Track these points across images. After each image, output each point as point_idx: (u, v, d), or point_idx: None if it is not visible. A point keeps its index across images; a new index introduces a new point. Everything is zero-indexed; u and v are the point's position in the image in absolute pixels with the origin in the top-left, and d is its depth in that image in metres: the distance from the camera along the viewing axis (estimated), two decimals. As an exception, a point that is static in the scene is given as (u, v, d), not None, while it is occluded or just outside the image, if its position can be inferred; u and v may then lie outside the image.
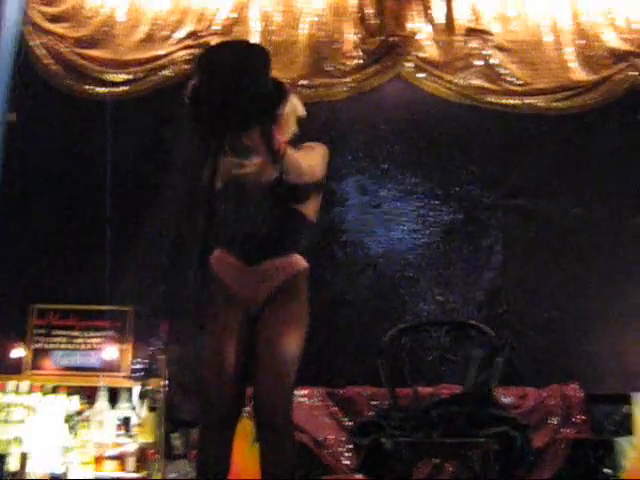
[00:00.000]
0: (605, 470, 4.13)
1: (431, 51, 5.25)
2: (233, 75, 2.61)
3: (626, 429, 4.22)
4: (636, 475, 4.06)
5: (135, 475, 4.14)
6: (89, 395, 4.69)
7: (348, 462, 3.52)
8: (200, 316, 2.91)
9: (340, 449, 3.61)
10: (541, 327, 4.94)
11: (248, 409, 3.92)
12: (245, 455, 3.91)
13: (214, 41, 5.20)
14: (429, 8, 5.29)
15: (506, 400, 3.92)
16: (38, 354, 4.92)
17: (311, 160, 2.89)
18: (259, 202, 2.80)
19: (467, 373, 3.29)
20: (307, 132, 5.31)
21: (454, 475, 3.58)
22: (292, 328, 2.78)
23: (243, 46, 2.83)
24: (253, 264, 2.79)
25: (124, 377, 4.76)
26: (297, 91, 5.15)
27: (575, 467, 4.13)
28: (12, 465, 4.32)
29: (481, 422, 3.06)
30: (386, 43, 5.22)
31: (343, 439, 3.66)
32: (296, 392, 4.01)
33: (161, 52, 5.21)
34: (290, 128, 2.96)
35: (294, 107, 2.99)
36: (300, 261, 2.87)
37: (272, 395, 2.69)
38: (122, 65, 5.19)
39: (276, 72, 5.23)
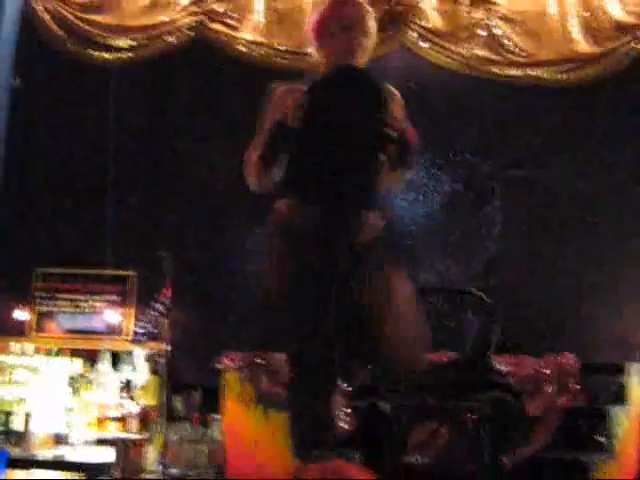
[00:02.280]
0: (599, 439, 4.19)
1: (435, 21, 5.24)
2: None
3: (621, 399, 4.27)
4: (630, 444, 4.13)
5: (137, 436, 4.21)
6: (92, 358, 4.77)
7: (346, 425, 3.59)
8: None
9: (338, 412, 3.66)
10: (539, 297, 4.98)
11: (248, 372, 4.00)
12: (245, 418, 3.99)
13: (219, 8, 5.21)
14: (434, -23, 5.28)
15: (502, 368, 3.96)
16: (42, 317, 4.98)
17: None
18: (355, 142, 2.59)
19: (464, 340, 3.34)
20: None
21: (449, 439, 3.64)
22: (397, 278, 2.65)
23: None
24: (339, 216, 2.61)
25: (126, 340, 4.83)
26: (300, 59, 5.17)
27: (569, 435, 4.18)
28: (16, 424, 4.40)
29: (476, 387, 3.11)
30: (391, 12, 5.20)
31: (342, 403, 3.71)
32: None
33: (165, 18, 5.21)
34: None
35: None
36: (378, 221, 2.69)
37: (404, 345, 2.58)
38: (126, 31, 5.18)
39: (280, 39, 5.29)
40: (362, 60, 2.74)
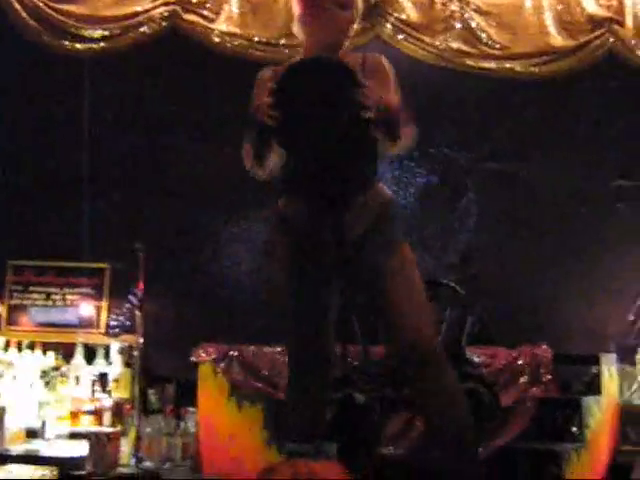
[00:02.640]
0: (572, 429, 4.22)
1: (411, 13, 5.24)
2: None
3: (594, 389, 4.31)
4: (602, 434, 4.17)
5: (111, 429, 4.19)
6: (65, 351, 4.73)
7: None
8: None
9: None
10: (513, 289, 5.02)
11: (222, 365, 3.99)
12: (220, 411, 3.98)
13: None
14: (410, -31, 5.28)
15: (476, 359, 3.98)
16: (15, 310, 4.93)
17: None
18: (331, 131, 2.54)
19: (438, 331, 3.35)
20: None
21: (424, 430, 3.65)
22: (400, 261, 2.62)
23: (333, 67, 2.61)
24: (333, 206, 2.59)
25: (101, 333, 4.80)
26: (277, 51, 5.15)
27: (543, 426, 4.22)
28: (-12, 419, 4.35)
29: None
30: (366, 4, 5.19)
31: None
32: (271, 349, 4.10)
33: (138, 8, 5.16)
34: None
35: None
36: (385, 190, 2.70)
37: (412, 332, 2.56)
38: (99, 21, 5.13)
39: (255, 31, 5.27)
40: (348, 42, 2.72)
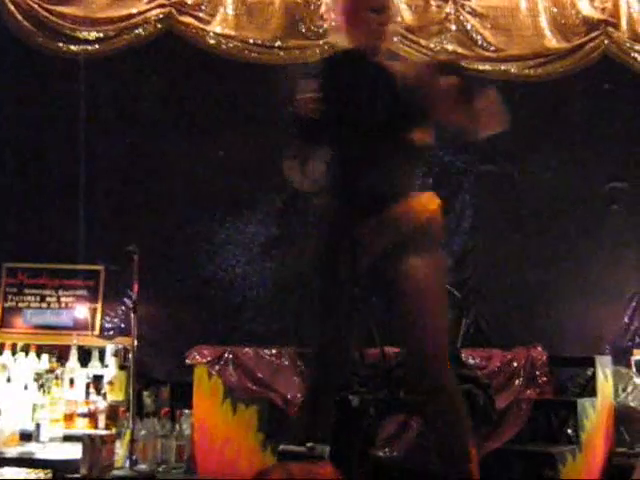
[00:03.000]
0: (567, 430, 4.22)
1: (406, 15, 5.25)
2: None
3: (589, 391, 4.31)
4: (597, 436, 4.17)
5: (105, 432, 4.17)
6: (60, 354, 4.72)
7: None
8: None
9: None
10: (508, 291, 5.02)
11: (217, 367, 3.98)
12: (215, 413, 3.97)
13: (187, 0, 5.17)
14: (405, -29, 5.28)
15: (472, 361, 3.98)
16: (9, 313, 4.92)
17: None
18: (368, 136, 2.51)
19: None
20: (279, 94, 5.32)
21: (418, 432, 3.65)
22: (430, 285, 2.55)
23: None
24: (368, 213, 2.56)
25: (95, 336, 4.79)
26: (272, 53, 5.15)
27: (538, 427, 4.22)
28: (-18, 421, 4.34)
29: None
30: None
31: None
32: (265, 352, 4.10)
33: (134, 10, 5.16)
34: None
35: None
36: (428, 202, 2.65)
37: (423, 361, 2.53)
38: (94, 23, 5.13)
39: (250, 33, 5.27)
40: (387, 43, 2.72)
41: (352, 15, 2.73)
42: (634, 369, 4.81)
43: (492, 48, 5.23)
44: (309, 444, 2.56)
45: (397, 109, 2.55)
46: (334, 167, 2.64)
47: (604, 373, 4.31)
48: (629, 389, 4.56)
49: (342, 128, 2.54)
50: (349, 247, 2.58)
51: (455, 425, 2.58)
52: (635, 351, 5.01)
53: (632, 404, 4.48)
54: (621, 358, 4.88)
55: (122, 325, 4.88)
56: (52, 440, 4.21)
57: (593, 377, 4.27)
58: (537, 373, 4.17)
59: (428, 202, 2.65)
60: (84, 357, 4.68)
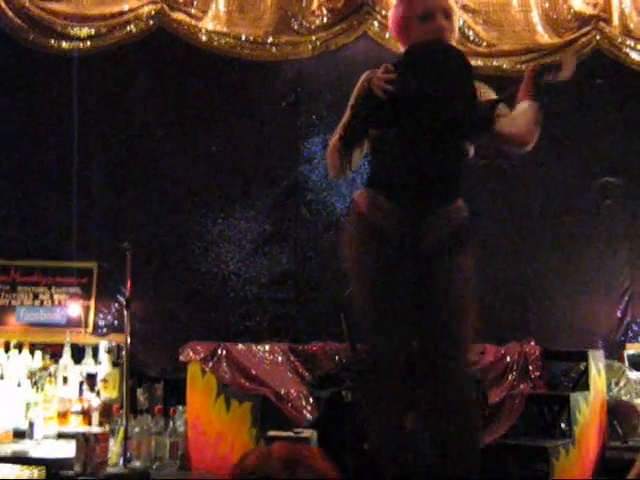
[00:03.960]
0: (560, 425, 4.23)
1: (398, 11, 5.24)
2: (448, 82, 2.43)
3: (582, 385, 4.32)
4: (590, 430, 4.18)
5: (99, 429, 4.17)
6: (53, 351, 4.71)
7: (309, 415, 3.59)
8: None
9: (302, 402, 3.67)
10: (500, 286, 5.02)
11: (211, 364, 3.98)
12: (209, 410, 3.97)
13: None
14: (396, -33, 5.27)
15: (465, 356, 3.98)
16: (2, 310, 4.91)
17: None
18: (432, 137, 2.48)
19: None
20: (273, 91, 5.33)
21: (412, 426, 3.65)
22: (463, 284, 2.59)
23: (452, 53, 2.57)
24: (416, 211, 2.54)
25: (88, 333, 4.78)
26: (264, 49, 5.15)
27: (531, 422, 4.22)
28: (-24, 420, 4.33)
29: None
30: (353, 2, 5.20)
31: (305, 393, 3.72)
32: (259, 348, 4.10)
33: (125, 7, 5.15)
34: None
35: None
36: (464, 208, 2.67)
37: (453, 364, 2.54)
38: (86, 20, 5.11)
39: (242, 29, 5.26)
40: (452, 40, 2.68)
41: (404, 31, 2.70)
42: (627, 363, 4.82)
43: (484, 44, 5.23)
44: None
45: (474, 107, 2.52)
46: (393, 155, 2.57)
47: (597, 367, 4.32)
48: (622, 383, 4.57)
49: (416, 113, 2.46)
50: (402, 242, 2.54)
51: (470, 421, 2.60)
52: (628, 345, 5.03)
53: (625, 398, 4.49)
54: (614, 352, 4.89)
55: (115, 322, 4.87)
56: (46, 438, 4.20)
57: (586, 371, 4.27)
58: (530, 368, 4.18)
59: (463, 207, 2.70)
60: (77, 354, 4.68)
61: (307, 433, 2.66)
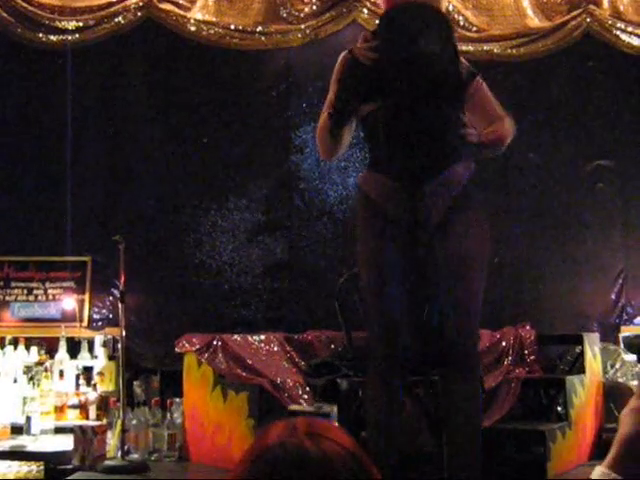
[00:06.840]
0: (557, 408, 4.24)
1: (387, -3, 5.22)
2: (425, 43, 2.40)
3: (578, 368, 4.33)
4: (586, 413, 4.19)
5: (96, 423, 4.17)
6: (49, 346, 4.71)
7: (305, 404, 3.59)
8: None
9: (298, 392, 3.67)
10: (495, 270, 5.02)
11: (206, 355, 3.98)
12: (205, 401, 3.97)
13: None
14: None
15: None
16: (-4, 306, 4.91)
17: None
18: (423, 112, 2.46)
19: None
20: (263, 80, 5.31)
21: (407, 414, 3.66)
22: (474, 252, 2.57)
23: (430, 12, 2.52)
24: (417, 186, 2.52)
25: (84, 327, 4.78)
26: (253, 39, 5.13)
27: (527, 406, 4.23)
28: (-28, 416, 4.33)
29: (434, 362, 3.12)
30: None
31: (301, 382, 3.72)
32: (254, 338, 4.09)
33: (113, -1, 5.13)
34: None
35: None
36: (463, 168, 2.63)
37: (462, 334, 2.55)
38: (74, 12, 5.08)
39: (231, 19, 5.24)
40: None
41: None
42: (622, 346, 4.84)
43: (474, 29, 5.22)
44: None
45: (457, 61, 2.51)
46: (385, 128, 2.55)
47: (592, 350, 4.33)
48: (617, 365, 4.58)
49: (403, 79, 2.46)
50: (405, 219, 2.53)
51: (475, 407, 2.64)
52: (623, 328, 5.05)
53: (621, 380, 4.51)
54: (609, 335, 4.91)
55: (110, 315, 4.87)
56: (43, 432, 4.21)
57: (581, 354, 4.28)
58: (526, 352, 4.19)
59: (466, 165, 2.65)
60: (73, 349, 4.68)
61: (328, 408, 2.66)
